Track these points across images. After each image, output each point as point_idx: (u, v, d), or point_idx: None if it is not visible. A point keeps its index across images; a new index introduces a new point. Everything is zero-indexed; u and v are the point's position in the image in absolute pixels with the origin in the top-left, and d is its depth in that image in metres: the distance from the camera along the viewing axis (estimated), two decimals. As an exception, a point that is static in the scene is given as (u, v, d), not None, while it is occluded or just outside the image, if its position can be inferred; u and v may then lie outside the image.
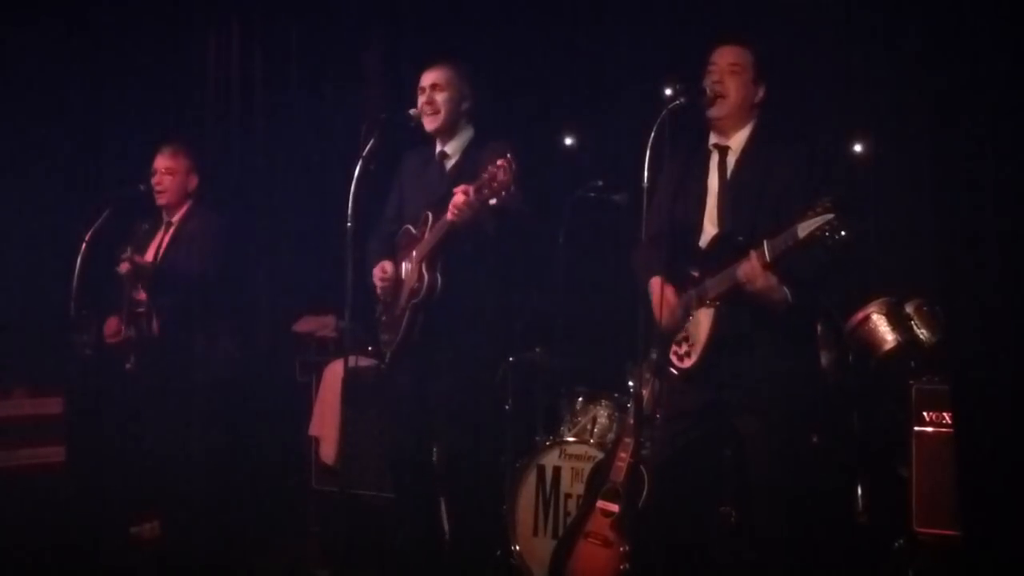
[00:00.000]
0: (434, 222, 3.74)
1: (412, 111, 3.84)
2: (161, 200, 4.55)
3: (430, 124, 3.85)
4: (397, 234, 3.95)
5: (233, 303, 4.52)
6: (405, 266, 3.86)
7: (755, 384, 3.24)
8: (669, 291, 3.32)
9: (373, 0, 5.50)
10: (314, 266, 5.22)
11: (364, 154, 3.64)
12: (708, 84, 3.34)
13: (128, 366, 4.45)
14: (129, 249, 4.40)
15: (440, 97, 3.82)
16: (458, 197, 3.52)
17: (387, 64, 5.44)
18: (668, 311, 3.32)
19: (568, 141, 5.23)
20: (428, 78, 3.86)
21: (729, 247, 3.24)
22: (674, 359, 3.37)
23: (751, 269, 3.14)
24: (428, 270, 3.72)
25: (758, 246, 3.13)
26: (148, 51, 5.61)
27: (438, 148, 3.94)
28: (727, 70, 3.34)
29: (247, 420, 4.64)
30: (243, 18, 5.73)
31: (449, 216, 3.55)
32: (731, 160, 3.35)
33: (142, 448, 4.48)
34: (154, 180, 4.53)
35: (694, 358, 3.30)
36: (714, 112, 3.35)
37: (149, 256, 4.54)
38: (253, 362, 4.71)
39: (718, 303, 3.24)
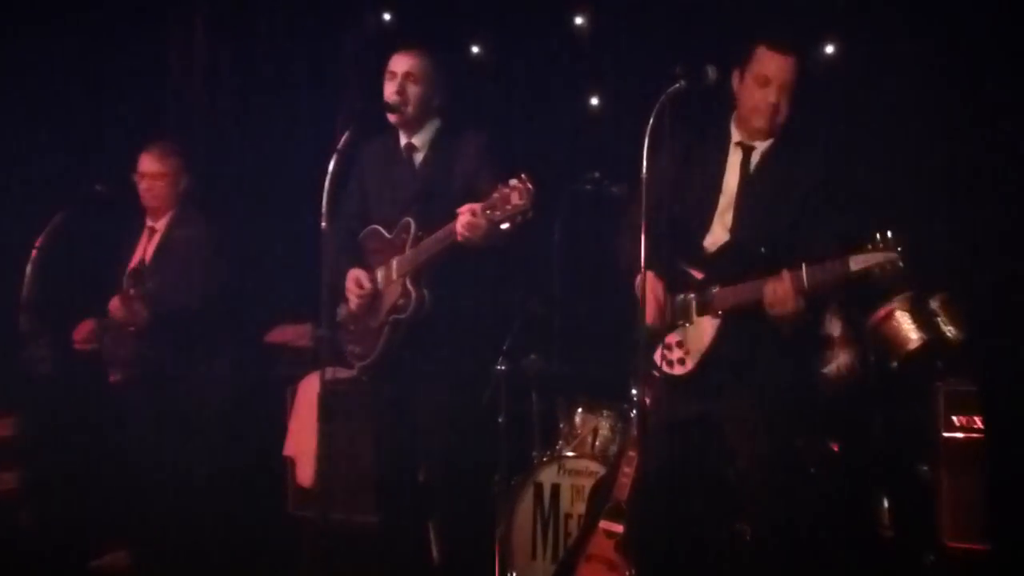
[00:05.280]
0: (419, 231, 3.76)
1: (390, 100, 3.81)
2: (149, 205, 4.60)
3: (398, 118, 3.85)
4: (361, 233, 3.96)
5: (230, 322, 4.57)
6: (380, 274, 3.88)
7: (749, 397, 3.27)
8: (659, 287, 3.34)
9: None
10: (287, 270, 5.25)
11: (340, 148, 3.63)
12: (754, 100, 3.29)
13: (113, 378, 4.50)
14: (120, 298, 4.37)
15: (413, 90, 3.83)
16: (465, 217, 3.52)
17: (366, 49, 5.45)
18: (656, 309, 3.33)
19: (564, 128, 5.26)
20: (401, 63, 3.85)
21: (747, 258, 3.25)
22: (664, 364, 3.39)
23: (783, 292, 3.14)
24: (414, 285, 3.75)
25: (794, 267, 3.12)
26: (103, 41, 5.58)
27: (403, 140, 3.93)
28: (750, 79, 3.33)
29: (221, 441, 4.66)
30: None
31: (459, 237, 3.56)
32: (755, 160, 3.37)
33: (120, 467, 4.50)
34: (141, 186, 4.57)
35: (689, 366, 3.34)
36: (734, 123, 3.36)
37: (132, 264, 4.54)
38: (239, 380, 4.74)
39: (723, 315, 3.27)
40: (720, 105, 3.46)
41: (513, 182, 3.38)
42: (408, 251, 3.77)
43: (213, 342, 4.50)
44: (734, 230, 3.33)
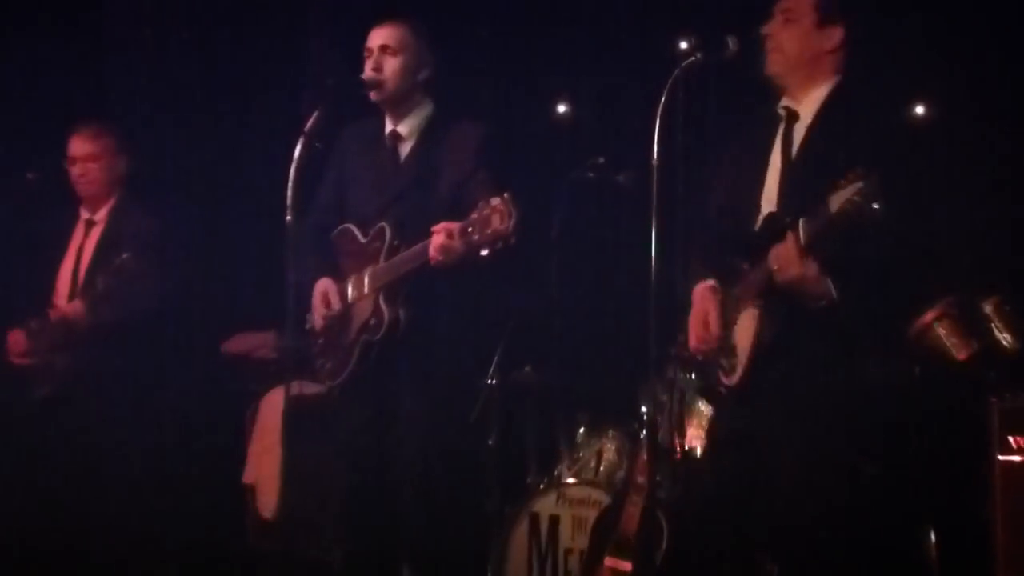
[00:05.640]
0: (394, 239, 3.70)
1: (367, 76, 3.78)
2: (85, 192, 4.51)
3: (377, 95, 3.80)
4: (334, 230, 3.90)
5: (183, 329, 4.52)
6: (352, 284, 3.83)
7: (791, 403, 3.20)
8: (713, 305, 3.29)
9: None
10: (247, 269, 5.20)
11: (307, 130, 3.59)
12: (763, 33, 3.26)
13: (43, 392, 4.42)
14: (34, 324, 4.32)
15: (391, 63, 3.78)
16: (439, 238, 3.50)
17: (337, 17, 5.42)
18: (704, 333, 3.29)
19: (561, 109, 5.24)
20: (376, 37, 3.81)
21: (775, 229, 3.19)
22: (721, 375, 3.33)
23: (785, 253, 3.11)
24: (388, 303, 3.70)
25: (795, 227, 3.10)
26: (31, 14, 5.51)
27: (388, 126, 3.88)
28: (780, 18, 3.29)
29: (172, 466, 4.65)
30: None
31: (431, 260, 3.54)
32: (798, 130, 3.30)
33: (51, 496, 4.41)
34: (74, 171, 4.48)
35: (739, 372, 3.26)
36: (769, 69, 3.31)
37: (67, 266, 4.47)
38: (193, 396, 4.73)
39: (761, 303, 3.21)
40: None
41: (495, 202, 3.35)
42: (382, 262, 3.73)
43: (163, 353, 4.41)
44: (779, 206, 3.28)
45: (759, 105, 3.45)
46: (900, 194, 3.00)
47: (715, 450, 3.37)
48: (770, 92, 3.41)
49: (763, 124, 3.41)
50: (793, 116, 3.33)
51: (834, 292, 3.12)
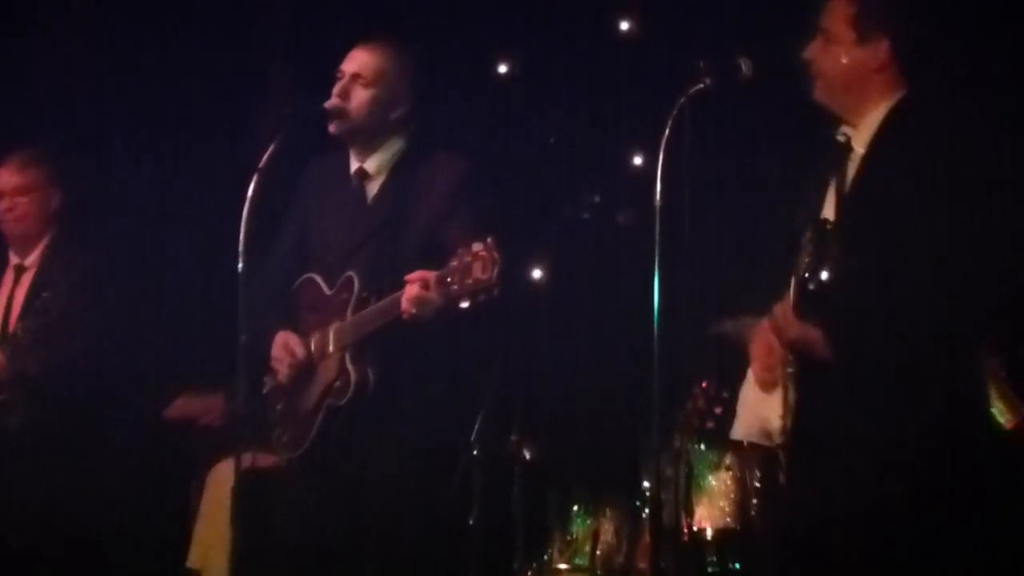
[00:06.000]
0: (363, 291, 3.64)
1: (329, 105, 3.73)
2: (13, 232, 4.50)
3: (337, 127, 3.72)
4: (296, 280, 3.85)
5: (119, 389, 4.54)
6: (315, 341, 3.75)
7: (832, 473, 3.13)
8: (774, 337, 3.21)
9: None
10: (194, 323, 5.13)
11: (261, 166, 3.56)
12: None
13: None
14: None
15: (360, 95, 3.71)
16: (413, 289, 3.43)
17: (298, 35, 5.49)
18: (769, 369, 3.24)
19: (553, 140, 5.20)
20: (351, 61, 3.74)
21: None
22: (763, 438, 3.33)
23: (783, 311, 3.10)
24: (355, 363, 3.63)
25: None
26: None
27: (353, 164, 3.82)
28: (820, 40, 3.20)
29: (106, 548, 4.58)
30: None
31: (404, 315, 3.47)
32: (853, 162, 3.21)
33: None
34: (1, 207, 4.48)
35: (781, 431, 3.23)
36: (815, 97, 3.21)
37: None
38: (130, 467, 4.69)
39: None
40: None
41: (477, 248, 3.29)
42: (349, 316, 3.65)
43: (97, 416, 4.42)
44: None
45: (813, 127, 3.37)
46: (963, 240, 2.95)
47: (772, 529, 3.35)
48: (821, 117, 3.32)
49: (820, 151, 3.32)
50: (847, 146, 3.23)
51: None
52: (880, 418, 3.13)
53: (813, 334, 3.04)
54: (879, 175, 3.15)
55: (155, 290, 5.11)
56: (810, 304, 3.02)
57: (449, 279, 3.35)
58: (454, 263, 3.34)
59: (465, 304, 3.35)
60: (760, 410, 3.31)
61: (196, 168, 5.41)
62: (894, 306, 3.07)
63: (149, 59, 5.62)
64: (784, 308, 3.07)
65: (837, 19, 3.20)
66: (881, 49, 3.17)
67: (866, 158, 3.18)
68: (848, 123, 3.22)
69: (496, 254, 3.27)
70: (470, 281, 3.30)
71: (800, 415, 3.16)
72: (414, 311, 3.44)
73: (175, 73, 5.59)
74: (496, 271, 3.27)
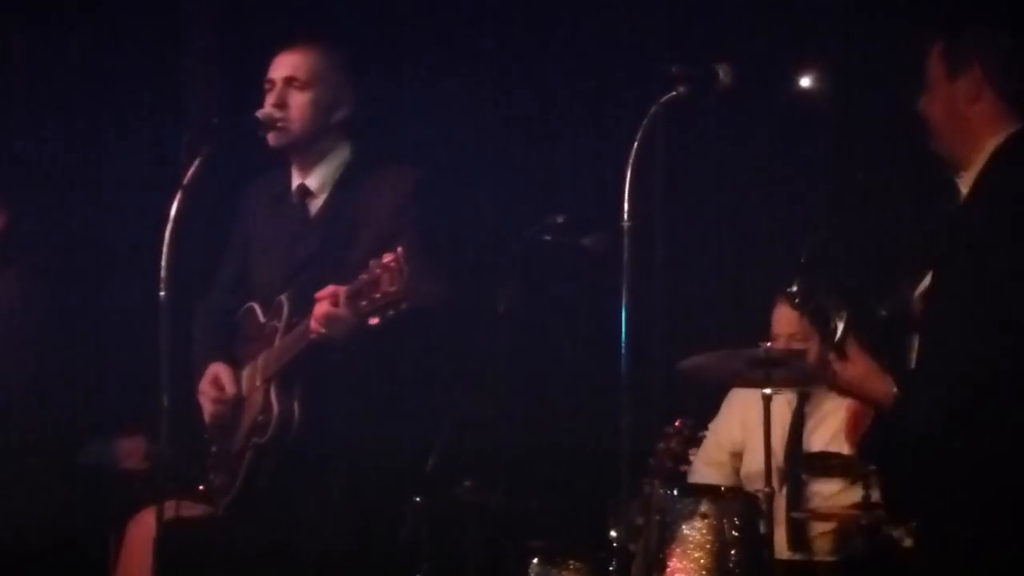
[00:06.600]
0: (292, 316, 3.57)
1: (262, 113, 3.67)
2: None
3: (277, 138, 3.67)
4: (238, 312, 3.80)
5: (33, 431, 4.45)
6: (246, 374, 3.71)
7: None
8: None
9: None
10: (114, 358, 5.00)
11: (186, 182, 3.48)
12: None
13: None
14: None
15: (298, 99, 3.66)
16: (322, 307, 3.37)
17: (223, 41, 5.43)
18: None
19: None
20: (280, 66, 3.69)
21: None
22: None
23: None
24: (279, 396, 3.55)
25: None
26: None
27: (295, 180, 3.76)
28: (927, 87, 3.17)
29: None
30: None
31: (312, 333, 3.41)
32: (957, 213, 3.15)
33: None
34: None
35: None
36: (932, 148, 3.20)
37: None
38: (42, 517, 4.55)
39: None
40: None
41: (387, 259, 3.20)
42: (277, 343, 3.60)
43: (8, 462, 4.29)
44: None
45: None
46: None
47: None
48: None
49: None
50: (957, 191, 3.19)
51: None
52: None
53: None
54: (972, 221, 3.10)
55: (72, 325, 4.94)
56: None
57: (359, 292, 3.29)
58: (364, 276, 3.28)
59: (374, 320, 3.28)
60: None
61: (117, 193, 5.41)
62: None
63: (74, 66, 5.59)
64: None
65: (932, 61, 3.14)
66: (973, 76, 3.09)
67: (965, 207, 3.14)
68: (963, 168, 3.18)
69: (404, 265, 3.21)
70: (378, 295, 3.24)
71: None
72: (323, 330, 3.39)
73: (101, 84, 5.55)
74: (404, 281, 3.20)
